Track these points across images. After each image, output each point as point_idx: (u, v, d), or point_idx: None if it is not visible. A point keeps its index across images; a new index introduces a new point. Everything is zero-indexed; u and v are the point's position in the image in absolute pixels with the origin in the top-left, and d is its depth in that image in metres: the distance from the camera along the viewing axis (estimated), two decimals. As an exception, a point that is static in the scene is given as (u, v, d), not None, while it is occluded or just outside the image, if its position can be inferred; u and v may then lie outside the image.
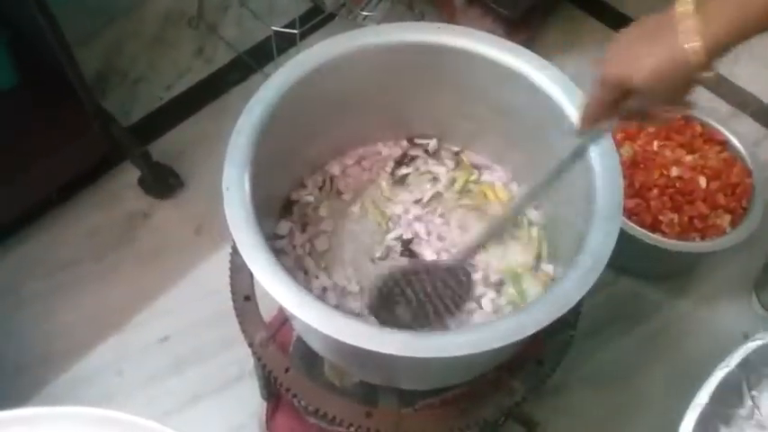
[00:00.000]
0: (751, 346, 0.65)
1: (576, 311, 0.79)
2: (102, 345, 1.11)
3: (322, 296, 0.77)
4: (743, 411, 0.64)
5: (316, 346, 0.76)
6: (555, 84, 0.72)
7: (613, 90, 0.59)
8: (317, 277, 0.78)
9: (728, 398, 0.63)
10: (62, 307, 1.15)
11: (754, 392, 0.65)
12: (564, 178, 0.73)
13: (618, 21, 1.48)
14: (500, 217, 0.79)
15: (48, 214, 1.22)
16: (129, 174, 1.25)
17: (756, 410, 0.64)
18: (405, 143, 0.88)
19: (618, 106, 0.61)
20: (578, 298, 0.60)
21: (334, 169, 0.85)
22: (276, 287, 0.61)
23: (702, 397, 0.62)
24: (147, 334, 1.13)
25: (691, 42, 0.52)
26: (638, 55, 0.55)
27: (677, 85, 0.55)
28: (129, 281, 1.17)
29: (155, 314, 1.14)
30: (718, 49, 0.53)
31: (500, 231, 0.78)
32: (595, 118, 0.64)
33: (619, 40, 0.58)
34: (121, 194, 1.26)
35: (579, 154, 0.68)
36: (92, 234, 1.22)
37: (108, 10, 1.44)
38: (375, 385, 0.79)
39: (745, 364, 0.63)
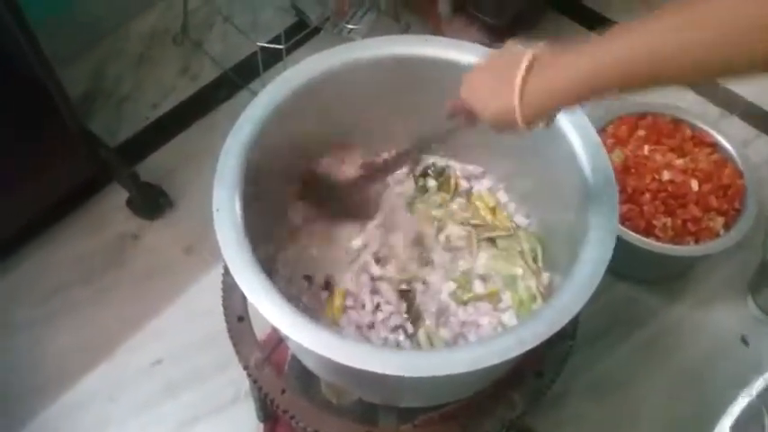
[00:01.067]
0: (770, 375, 0.64)
1: (574, 322, 0.78)
2: (94, 370, 1.09)
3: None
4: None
5: (311, 365, 0.75)
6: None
7: (469, 112, 0.63)
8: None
9: (749, 427, 0.62)
10: (53, 333, 1.13)
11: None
12: (556, 186, 0.72)
13: (602, 25, 1.48)
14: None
15: (35, 239, 1.20)
16: (118, 195, 1.24)
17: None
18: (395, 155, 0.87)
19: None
20: (577, 310, 0.60)
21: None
22: (269, 309, 0.60)
23: (724, 426, 0.60)
24: (139, 358, 1.11)
25: (515, 103, 0.55)
26: (485, 97, 0.60)
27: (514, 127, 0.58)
28: (120, 304, 1.15)
29: (147, 337, 1.12)
30: (534, 118, 0.56)
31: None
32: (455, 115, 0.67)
33: (473, 76, 0.62)
34: (110, 216, 1.24)
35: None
36: (81, 258, 1.20)
37: (92, 29, 1.43)
38: (371, 406, 0.78)
39: (764, 393, 0.62)
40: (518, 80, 0.54)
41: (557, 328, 0.59)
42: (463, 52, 0.75)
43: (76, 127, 1.10)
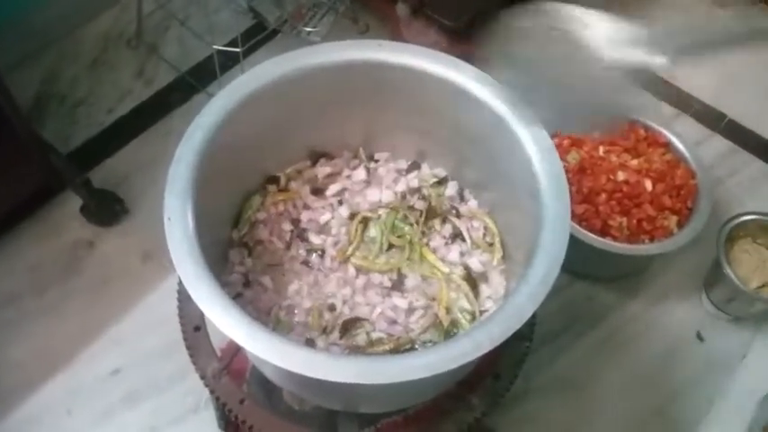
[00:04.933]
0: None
1: (530, 324, 0.79)
2: (50, 381, 1.07)
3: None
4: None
5: (270, 376, 0.74)
6: (495, 96, 0.72)
7: None
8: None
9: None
10: (7, 344, 1.10)
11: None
12: (507, 183, 0.73)
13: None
14: None
15: (-14, 249, 1.17)
16: (71, 202, 1.21)
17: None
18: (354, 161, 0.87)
19: None
20: (532, 311, 0.60)
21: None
22: (223, 319, 0.59)
23: None
24: (97, 367, 1.08)
25: None
26: None
27: None
28: (76, 313, 1.13)
29: (104, 347, 1.10)
30: None
31: None
32: None
33: None
34: (64, 224, 1.21)
35: None
36: (34, 267, 1.17)
37: (43, 32, 1.39)
38: (332, 412, 0.78)
39: None
40: None
41: (512, 330, 0.59)
42: (416, 57, 0.75)
43: (27, 134, 1.07)
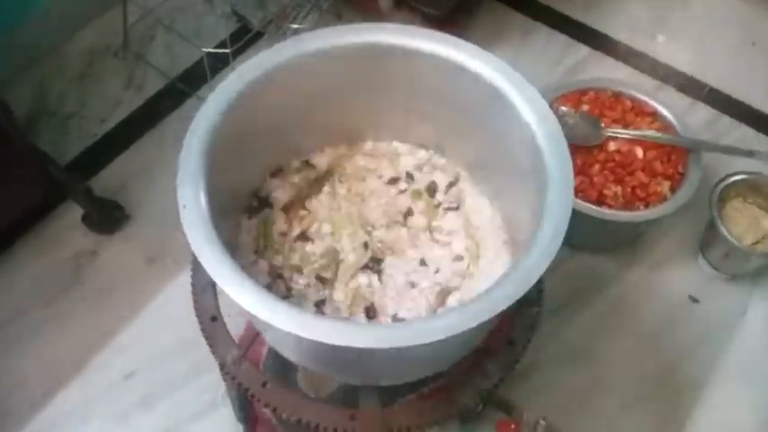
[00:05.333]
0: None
1: (539, 288, 0.81)
2: (64, 390, 1.07)
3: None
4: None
5: (292, 355, 0.75)
6: (494, 70, 0.74)
7: None
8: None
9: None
10: (17, 357, 1.10)
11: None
12: (511, 158, 0.75)
13: (539, 12, 1.53)
14: None
15: (-12, 265, 1.18)
16: (71, 213, 1.22)
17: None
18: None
19: None
20: (545, 267, 0.62)
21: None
22: (247, 299, 0.60)
23: None
24: (110, 372, 1.09)
25: None
26: None
27: None
28: (84, 321, 1.13)
29: (116, 351, 1.11)
30: None
31: None
32: None
33: None
34: (65, 235, 1.22)
35: None
36: (39, 279, 1.17)
37: (28, 50, 1.40)
38: (352, 391, 0.79)
39: None
40: None
41: (528, 286, 0.61)
42: (414, 37, 0.76)
43: (25, 148, 1.08)
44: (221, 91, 0.72)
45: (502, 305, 0.61)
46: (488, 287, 0.64)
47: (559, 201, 0.66)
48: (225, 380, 0.94)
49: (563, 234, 0.64)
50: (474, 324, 0.59)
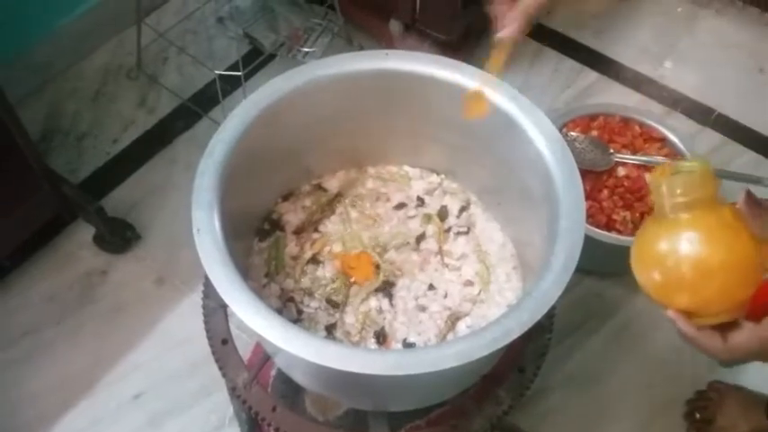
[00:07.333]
0: None
1: (551, 314, 0.81)
2: (74, 409, 1.08)
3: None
4: None
5: (302, 378, 0.75)
6: (505, 97, 0.75)
7: None
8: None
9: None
10: (28, 375, 1.11)
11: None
12: (519, 182, 0.76)
13: (548, 37, 1.54)
14: None
15: (1, 282, 1.18)
16: (83, 232, 1.23)
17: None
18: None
19: None
20: (557, 294, 0.62)
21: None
22: (259, 322, 0.61)
23: None
24: (119, 393, 1.09)
25: None
26: None
27: None
28: (94, 341, 1.14)
29: (125, 371, 1.11)
30: None
31: None
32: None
33: None
34: (77, 254, 1.23)
35: None
36: (50, 297, 1.18)
37: (43, 69, 1.42)
38: (360, 415, 0.79)
39: None
40: None
41: (540, 313, 0.61)
42: (424, 64, 0.78)
43: (39, 166, 1.09)
44: (236, 116, 0.73)
45: (516, 332, 0.61)
46: (502, 314, 0.64)
47: (572, 227, 0.67)
48: (234, 403, 0.94)
49: (576, 260, 0.64)
50: (488, 351, 0.60)
